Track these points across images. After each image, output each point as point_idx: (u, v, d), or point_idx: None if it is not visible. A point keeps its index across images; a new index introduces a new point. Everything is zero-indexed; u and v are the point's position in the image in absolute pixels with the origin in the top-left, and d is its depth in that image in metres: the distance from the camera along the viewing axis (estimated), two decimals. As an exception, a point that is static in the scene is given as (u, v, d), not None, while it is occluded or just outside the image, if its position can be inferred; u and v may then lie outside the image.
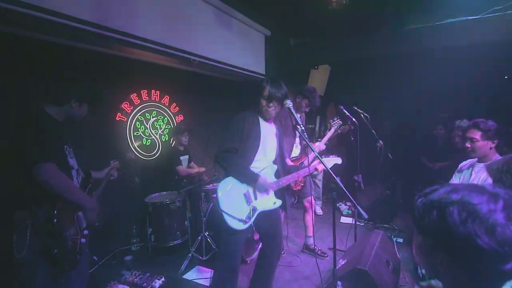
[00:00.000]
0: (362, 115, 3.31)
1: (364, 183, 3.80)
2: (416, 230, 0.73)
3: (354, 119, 3.03)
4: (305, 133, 1.90)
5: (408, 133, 4.68)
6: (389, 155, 3.54)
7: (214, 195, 1.87)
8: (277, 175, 2.04)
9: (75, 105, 1.65)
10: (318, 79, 5.53)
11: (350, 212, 4.31)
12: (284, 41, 4.89)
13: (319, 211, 4.48)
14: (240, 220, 1.82)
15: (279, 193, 2.05)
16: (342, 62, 4.88)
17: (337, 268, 2.22)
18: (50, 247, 1.47)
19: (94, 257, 1.76)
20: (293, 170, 2.11)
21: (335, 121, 3.15)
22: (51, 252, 1.46)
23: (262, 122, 1.97)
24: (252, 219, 1.88)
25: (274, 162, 2.05)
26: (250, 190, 1.92)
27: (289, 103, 1.95)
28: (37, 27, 1.94)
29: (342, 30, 4.37)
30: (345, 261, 2.35)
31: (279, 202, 2.02)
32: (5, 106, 2.25)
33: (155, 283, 2.41)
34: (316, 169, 2.14)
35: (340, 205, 4.53)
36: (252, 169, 1.90)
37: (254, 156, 1.91)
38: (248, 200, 1.89)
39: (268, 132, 2.00)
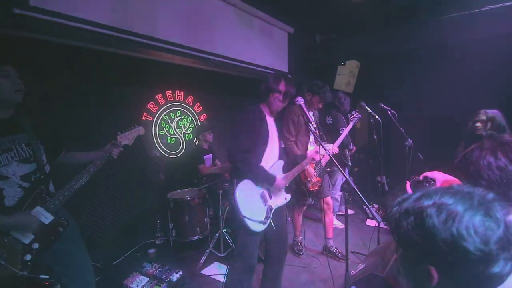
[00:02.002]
0: (389, 112, 3.13)
1: (391, 185, 3.58)
2: (395, 243, 0.68)
3: (377, 116, 2.86)
4: (317, 131, 1.84)
5: (445, 132, 4.32)
6: (420, 155, 3.29)
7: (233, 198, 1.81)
8: (283, 170, 2.05)
9: None
10: (346, 76, 5.34)
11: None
12: (308, 38, 4.78)
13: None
14: (260, 222, 1.84)
15: (288, 188, 2.08)
16: (371, 57, 4.64)
17: (354, 272, 2.13)
18: None
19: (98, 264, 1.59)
20: (294, 162, 2.15)
21: (353, 115, 3.00)
22: None
23: (268, 117, 1.94)
24: (270, 218, 1.90)
25: (280, 157, 2.04)
26: (265, 190, 1.93)
27: (300, 100, 1.91)
28: (66, 33, 2.10)
29: (371, 24, 4.16)
30: (364, 265, 2.23)
31: (288, 197, 2.04)
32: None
33: (173, 276, 2.49)
34: (313, 158, 2.10)
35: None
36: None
37: (264, 153, 1.88)
38: (264, 201, 1.91)
39: (272, 127, 1.97)
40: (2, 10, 1.83)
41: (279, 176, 1.96)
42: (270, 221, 1.90)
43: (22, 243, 1.39)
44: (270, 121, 1.97)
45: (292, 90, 1.91)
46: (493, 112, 2.00)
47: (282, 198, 2.03)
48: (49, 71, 2.58)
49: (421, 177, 1.49)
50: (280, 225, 2.05)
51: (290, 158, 2.44)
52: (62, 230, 1.50)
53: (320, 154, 2.09)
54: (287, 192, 2.08)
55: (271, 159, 1.95)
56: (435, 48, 3.98)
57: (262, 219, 1.84)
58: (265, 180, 1.88)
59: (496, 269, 0.56)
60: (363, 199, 1.60)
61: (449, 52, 4.00)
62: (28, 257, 1.39)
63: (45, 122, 1.67)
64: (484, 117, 1.96)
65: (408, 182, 1.64)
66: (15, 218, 1.37)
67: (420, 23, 3.83)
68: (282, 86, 1.88)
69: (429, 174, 1.44)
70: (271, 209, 1.92)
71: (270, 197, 1.95)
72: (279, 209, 2.00)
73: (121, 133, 1.69)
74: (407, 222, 0.62)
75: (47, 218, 1.45)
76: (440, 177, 1.40)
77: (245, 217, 1.76)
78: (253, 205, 1.83)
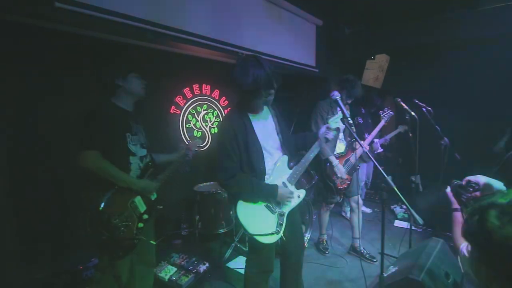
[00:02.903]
0: (424, 109, 2.97)
1: (424, 185, 3.43)
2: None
3: (413, 113, 2.72)
4: (353, 127, 1.76)
5: (486, 131, 4.04)
6: (456, 155, 3.11)
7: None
8: (290, 164, 1.84)
9: (120, 80, 1.72)
10: (375, 70, 5.13)
11: (406, 215, 3.93)
12: (337, 31, 4.62)
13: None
14: (272, 233, 1.67)
15: (298, 183, 1.86)
16: (403, 50, 4.42)
17: (386, 275, 2.05)
18: (100, 233, 1.53)
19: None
20: (299, 143, 1.97)
21: (385, 112, 2.87)
22: (100, 238, 1.53)
23: (253, 119, 1.71)
24: (284, 225, 1.74)
25: (284, 151, 1.82)
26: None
27: (336, 94, 1.83)
28: (96, 26, 2.12)
29: (403, 14, 3.94)
30: (396, 268, 2.14)
31: (303, 193, 1.83)
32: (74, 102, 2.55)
33: (200, 267, 2.53)
34: (326, 138, 1.84)
35: (395, 207, 4.16)
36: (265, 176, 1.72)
37: (262, 160, 1.69)
38: (272, 210, 1.73)
39: (262, 124, 1.75)
40: (45, 3, 1.88)
41: (285, 174, 1.79)
42: (283, 228, 1.73)
43: (139, 211, 1.74)
44: (259, 119, 1.74)
45: (274, 71, 1.61)
46: None
47: (294, 199, 1.80)
48: (80, 64, 2.64)
49: (463, 182, 1.41)
50: (293, 220, 1.88)
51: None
52: (160, 207, 1.89)
53: (330, 133, 1.84)
54: (299, 188, 1.85)
55: (272, 160, 1.76)
56: (475, 40, 3.71)
57: (274, 229, 1.68)
58: (266, 196, 1.69)
59: None
60: (403, 199, 1.52)
61: (490, 45, 3.73)
62: (141, 225, 1.73)
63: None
64: None
65: (449, 187, 1.54)
66: (145, 182, 1.76)
67: (457, 13, 3.58)
68: (259, 78, 1.54)
69: (473, 178, 1.35)
70: (282, 215, 1.74)
71: (279, 204, 1.75)
72: (293, 209, 1.82)
73: (194, 136, 2.18)
74: (472, 220, 0.63)
75: (153, 195, 1.84)
76: (484, 181, 1.31)
77: (254, 235, 1.62)
78: (260, 220, 1.66)
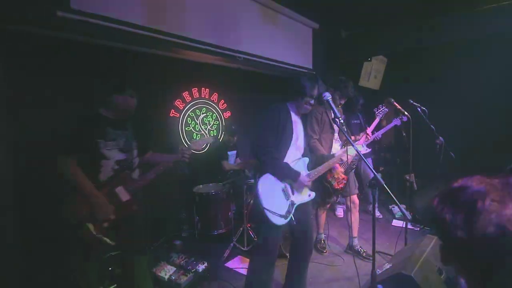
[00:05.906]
0: (418, 109, 3.01)
1: (420, 185, 3.46)
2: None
3: (406, 113, 2.77)
4: (344, 126, 1.82)
5: (480, 130, 4.08)
6: (452, 154, 3.15)
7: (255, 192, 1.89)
8: (308, 167, 2.07)
9: (115, 98, 1.82)
10: (372, 72, 5.18)
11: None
12: (333, 34, 4.69)
13: (339, 213, 4.19)
14: (281, 216, 1.88)
15: (312, 185, 2.09)
16: (400, 52, 4.48)
17: (380, 271, 2.09)
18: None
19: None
20: (320, 161, 2.19)
21: (379, 109, 2.91)
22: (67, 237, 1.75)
23: (293, 116, 2.00)
24: (292, 213, 1.93)
25: (304, 154, 2.09)
26: (288, 185, 1.96)
27: (327, 95, 1.89)
28: (97, 33, 2.20)
29: (400, 16, 4.00)
30: (390, 265, 2.18)
31: (313, 194, 2.07)
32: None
33: (198, 267, 2.57)
34: (341, 158, 2.18)
35: (393, 207, 4.19)
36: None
37: (288, 150, 1.93)
38: (286, 195, 1.94)
39: (298, 125, 2.02)
40: (47, 12, 1.96)
41: (303, 172, 1.99)
42: (292, 216, 1.92)
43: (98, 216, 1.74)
44: (296, 119, 2.01)
45: (318, 91, 1.97)
46: None
47: (305, 195, 2.05)
48: (83, 70, 2.72)
49: None
50: (306, 222, 2.07)
51: (315, 157, 2.47)
52: (135, 208, 1.86)
53: (347, 154, 2.09)
54: (311, 189, 2.09)
55: (295, 156, 1.99)
56: (468, 42, 3.77)
57: (283, 213, 1.88)
58: (288, 175, 1.91)
59: None
60: (392, 194, 1.57)
61: (484, 46, 3.78)
62: (105, 224, 1.76)
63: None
64: None
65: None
66: (103, 202, 1.73)
67: (451, 16, 3.64)
68: (316, 91, 1.94)
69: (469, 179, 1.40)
70: (293, 204, 1.95)
71: (293, 193, 1.97)
72: (303, 206, 2.02)
73: (194, 139, 2.06)
74: (454, 217, 0.58)
75: (124, 196, 1.83)
76: None
77: (265, 209, 1.81)
78: (275, 198, 1.87)
